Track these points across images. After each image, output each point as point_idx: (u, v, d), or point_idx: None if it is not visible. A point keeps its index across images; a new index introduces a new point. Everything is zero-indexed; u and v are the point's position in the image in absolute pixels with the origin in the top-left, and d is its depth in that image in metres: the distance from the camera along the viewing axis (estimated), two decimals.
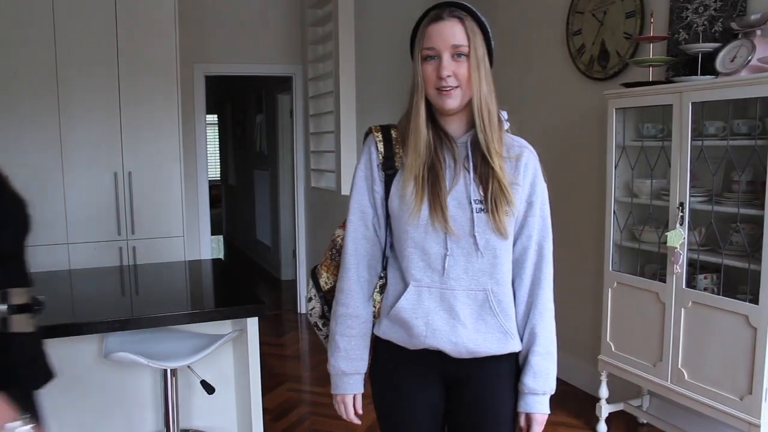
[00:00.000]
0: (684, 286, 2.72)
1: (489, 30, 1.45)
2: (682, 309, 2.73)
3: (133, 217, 3.92)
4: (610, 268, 3.12)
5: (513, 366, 1.50)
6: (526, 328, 1.48)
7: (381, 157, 1.51)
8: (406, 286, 1.47)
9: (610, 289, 3.12)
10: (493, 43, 1.46)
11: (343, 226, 1.60)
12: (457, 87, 1.41)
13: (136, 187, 3.91)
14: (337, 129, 4.55)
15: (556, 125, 3.87)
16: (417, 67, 1.44)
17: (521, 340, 1.48)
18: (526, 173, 1.47)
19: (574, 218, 3.74)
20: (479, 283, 1.43)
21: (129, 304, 2.48)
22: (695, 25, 2.97)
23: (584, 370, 3.73)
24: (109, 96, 3.88)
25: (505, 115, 1.52)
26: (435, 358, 1.47)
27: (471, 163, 1.44)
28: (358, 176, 1.56)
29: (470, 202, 1.42)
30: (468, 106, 1.44)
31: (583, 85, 3.68)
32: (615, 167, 3.08)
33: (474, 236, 1.41)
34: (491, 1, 4.29)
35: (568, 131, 3.79)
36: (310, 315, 1.64)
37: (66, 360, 2.47)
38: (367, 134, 1.58)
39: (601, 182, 3.30)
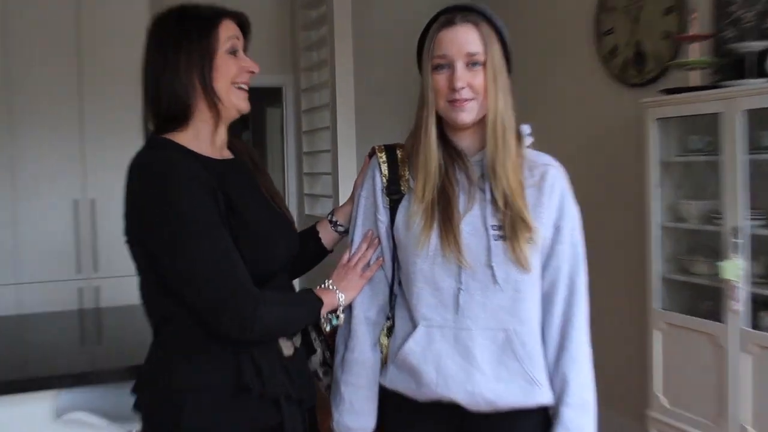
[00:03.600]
0: (746, 327, 2.70)
1: (506, 36, 1.48)
2: (746, 354, 2.70)
3: (96, 251, 3.92)
4: (656, 306, 3.11)
5: (542, 422, 1.49)
6: (556, 376, 1.48)
7: (385, 181, 1.54)
8: (414, 326, 1.48)
9: (656, 331, 3.10)
10: (511, 50, 1.49)
11: None
12: (472, 99, 1.44)
13: (100, 216, 3.92)
14: (335, 148, 4.57)
15: (585, 139, 3.89)
16: (426, 77, 1.47)
17: (551, 390, 1.47)
18: (552, 194, 1.48)
19: (611, 247, 3.74)
20: (499, 322, 1.43)
21: (89, 354, 2.48)
22: (743, 21, 3.00)
23: (627, 427, 3.69)
24: (68, 109, 3.88)
25: (527, 129, 1.54)
26: (449, 412, 1.46)
27: (487, 184, 1.46)
28: (360, 203, 1.59)
29: (486, 228, 1.43)
30: (483, 121, 1.47)
31: (616, 92, 3.71)
32: (656, 187, 3.09)
33: (491, 267, 1.42)
34: (507, 0, 4.34)
35: (600, 145, 3.81)
36: (310, 362, 1.65)
37: (13, 422, 2.45)
38: (370, 155, 1.61)
39: (641, 204, 3.30)
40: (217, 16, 1.51)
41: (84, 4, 3.90)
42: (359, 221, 1.60)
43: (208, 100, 1.48)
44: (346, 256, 1.61)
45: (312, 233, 1.75)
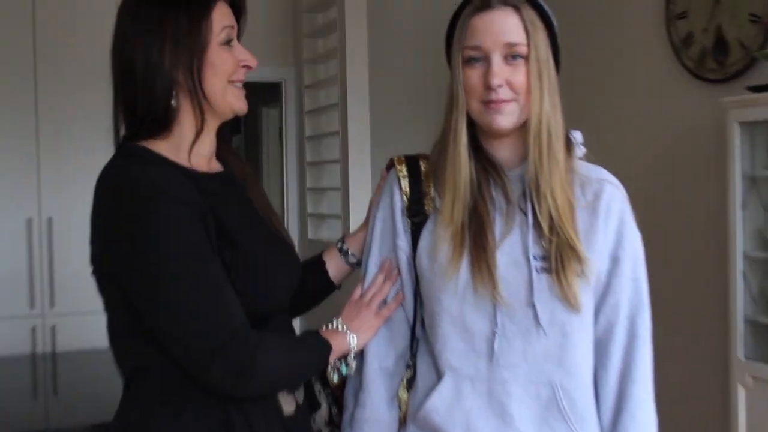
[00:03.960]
0: None
1: (554, 22, 1.49)
2: None
3: (53, 283, 3.95)
4: (739, 356, 3.08)
5: None
6: None
7: (406, 200, 1.56)
8: (439, 377, 1.48)
9: (739, 386, 3.07)
10: (560, 40, 1.50)
11: None
12: (511, 100, 1.45)
13: (58, 239, 3.95)
14: (345, 158, 4.57)
15: (650, 148, 3.88)
16: (456, 73, 1.48)
17: None
18: (608, 217, 1.49)
19: (682, 282, 3.72)
20: (543, 374, 1.43)
21: (43, 408, 2.49)
22: None
23: None
24: (22, 112, 3.94)
25: (578, 137, 1.55)
26: None
27: (529, 204, 1.47)
28: (375, 227, 1.60)
29: (528, 259, 1.44)
30: (524, 126, 1.48)
31: (690, 88, 3.70)
32: (740, 208, 3.07)
33: (533, 306, 1.43)
34: None
35: (670, 156, 3.79)
36: (313, 420, 1.66)
37: None
38: (388, 168, 1.63)
39: (721, 229, 3.29)
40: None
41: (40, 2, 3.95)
42: (375, 248, 1.61)
43: (195, 102, 1.48)
44: (358, 291, 1.62)
45: (317, 264, 1.75)
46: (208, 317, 1.37)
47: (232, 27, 1.53)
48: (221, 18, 1.50)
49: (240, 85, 1.55)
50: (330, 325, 1.59)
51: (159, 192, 1.39)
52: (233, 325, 1.38)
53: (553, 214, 1.44)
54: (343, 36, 4.46)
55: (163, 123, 1.49)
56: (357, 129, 4.52)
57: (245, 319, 1.41)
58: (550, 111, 1.46)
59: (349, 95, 4.49)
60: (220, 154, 1.63)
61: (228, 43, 1.51)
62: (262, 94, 6.56)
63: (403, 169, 1.58)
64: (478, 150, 1.52)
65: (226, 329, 1.37)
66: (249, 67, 1.55)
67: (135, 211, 1.39)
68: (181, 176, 1.45)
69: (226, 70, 1.51)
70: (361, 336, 1.57)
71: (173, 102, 1.48)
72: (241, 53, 1.54)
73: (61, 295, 3.95)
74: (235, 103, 1.54)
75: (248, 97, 1.57)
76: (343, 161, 4.60)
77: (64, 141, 3.96)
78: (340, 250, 1.74)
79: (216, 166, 1.60)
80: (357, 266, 1.73)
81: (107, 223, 1.43)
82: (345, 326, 1.57)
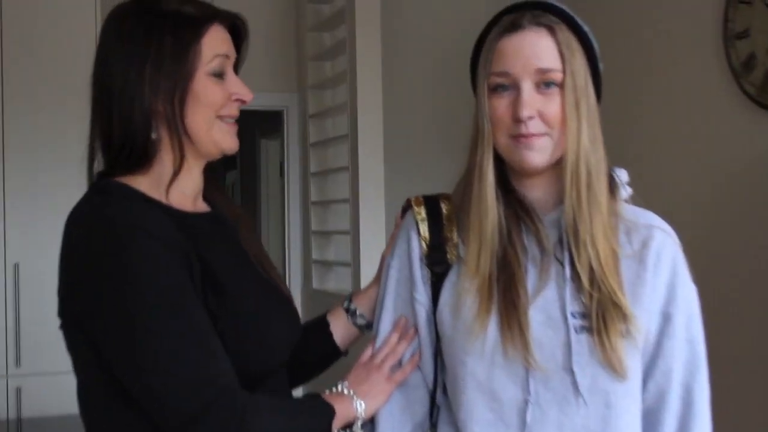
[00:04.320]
0: None
1: (595, 45, 1.50)
2: None
3: (19, 338, 3.94)
4: None
5: None
6: None
7: (425, 246, 1.56)
8: None
9: None
10: (601, 65, 1.51)
11: None
12: (544, 134, 1.45)
13: (26, 287, 3.94)
14: (355, 197, 4.56)
15: (707, 186, 3.87)
16: (482, 102, 1.49)
17: None
18: (658, 269, 1.49)
19: (745, 343, 3.68)
20: None
21: None
22: None
23: None
24: None
25: (623, 176, 1.55)
26: None
27: (566, 254, 1.47)
28: (389, 277, 1.61)
29: (565, 317, 1.44)
30: (559, 164, 1.48)
31: (752, 118, 3.68)
32: None
33: (572, 372, 1.42)
34: None
35: (729, 195, 3.77)
36: None
37: None
38: (404, 210, 1.63)
39: None
40: (203, 19, 1.51)
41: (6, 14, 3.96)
42: (388, 302, 1.61)
43: (175, 136, 1.49)
44: (368, 352, 1.62)
45: (320, 326, 1.74)
46: (188, 371, 1.36)
47: (227, 56, 1.54)
48: (214, 45, 1.51)
49: (231, 120, 1.56)
50: (335, 389, 1.59)
51: (135, 228, 1.39)
52: (219, 382, 1.37)
53: (594, 265, 1.44)
54: (354, 58, 4.46)
55: (142, 157, 1.50)
56: (369, 164, 4.50)
57: (234, 377, 1.40)
58: (589, 146, 1.46)
59: (360, 125, 4.48)
60: (208, 194, 1.64)
61: (219, 74, 1.52)
62: (260, 123, 6.59)
63: (421, 212, 1.58)
64: (508, 190, 1.52)
65: (211, 387, 1.36)
66: (242, 101, 1.55)
67: (108, 247, 1.39)
68: (161, 214, 1.45)
69: (214, 103, 1.51)
70: (371, 402, 1.56)
71: (153, 134, 1.49)
72: (234, 85, 1.54)
73: (28, 353, 3.94)
74: (223, 141, 1.55)
75: (245, 127, 1.57)
76: (353, 201, 4.59)
77: (33, 177, 3.97)
78: (347, 310, 1.73)
79: (202, 207, 1.61)
80: (367, 329, 1.72)
81: (77, 262, 1.43)
82: (352, 390, 1.57)
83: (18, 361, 3.95)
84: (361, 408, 1.55)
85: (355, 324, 1.74)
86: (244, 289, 1.52)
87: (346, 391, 1.57)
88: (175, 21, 1.49)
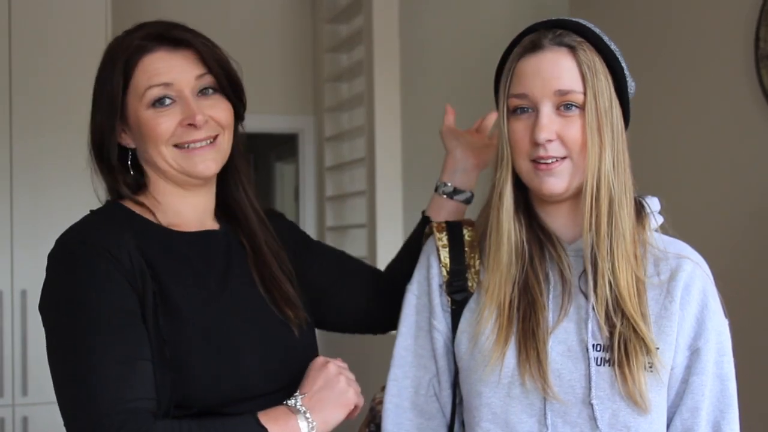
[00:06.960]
0: None
1: (623, 64, 1.48)
2: None
3: (26, 366, 3.95)
4: None
5: None
6: None
7: (445, 273, 1.57)
8: None
9: None
10: (631, 86, 1.49)
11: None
12: (564, 158, 1.45)
13: (33, 315, 3.94)
14: (372, 222, 4.58)
15: (740, 215, 3.84)
16: (502, 125, 1.49)
17: None
18: (686, 301, 1.48)
19: None
20: None
21: None
22: None
23: None
24: None
25: (654, 204, 1.55)
26: None
27: (591, 284, 1.45)
28: (407, 304, 1.62)
29: (586, 349, 1.43)
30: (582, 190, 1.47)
31: None
32: None
33: (591, 405, 1.41)
34: (620, 13, 4.36)
35: (764, 225, 3.75)
36: None
37: None
38: (426, 236, 1.64)
39: None
40: (137, 50, 1.54)
41: (17, 16, 3.99)
42: (405, 329, 1.60)
43: (143, 165, 1.59)
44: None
45: (412, 241, 1.82)
46: (96, 389, 1.37)
47: (168, 84, 1.54)
48: (149, 75, 1.54)
49: (199, 144, 1.56)
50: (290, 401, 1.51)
51: (88, 246, 1.46)
52: (130, 407, 1.37)
53: (615, 294, 1.43)
54: (372, 79, 4.50)
55: (132, 184, 1.59)
56: (387, 188, 4.53)
57: (152, 404, 1.40)
58: (611, 171, 1.45)
59: (377, 148, 4.51)
60: (239, 211, 1.69)
61: (159, 102, 1.54)
62: (275, 147, 6.62)
63: (443, 238, 1.58)
64: (531, 217, 1.52)
65: (120, 411, 1.36)
66: (193, 125, 1.54)
67: (60, 263, 1.47)
68: (119, 231, 1.49)
69: (159, 134, 1.54)
70: (320, 415, 1.50)
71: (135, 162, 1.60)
72: (183, 110, 1.54)
73: (35, 382, 3.94)
74: (189, 167, 1.56)
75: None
76: (371, 226, 4.62)
77: (41, 204, 3.98)
78: (442, 192, 1.84)
79: (211, 225, 1.64)
80: (455, 195, 1.84)
81: (45, 277, 1.50)
82: (301, 404, 1.50)
83: (25, 390, 3.95)
84: (309, 426, 1.47)
85: (451, 198, 1.84)
86: (208, 316, 1.51)
87: (297, 406, 1.50)
88: (113, 59, 1.56)
